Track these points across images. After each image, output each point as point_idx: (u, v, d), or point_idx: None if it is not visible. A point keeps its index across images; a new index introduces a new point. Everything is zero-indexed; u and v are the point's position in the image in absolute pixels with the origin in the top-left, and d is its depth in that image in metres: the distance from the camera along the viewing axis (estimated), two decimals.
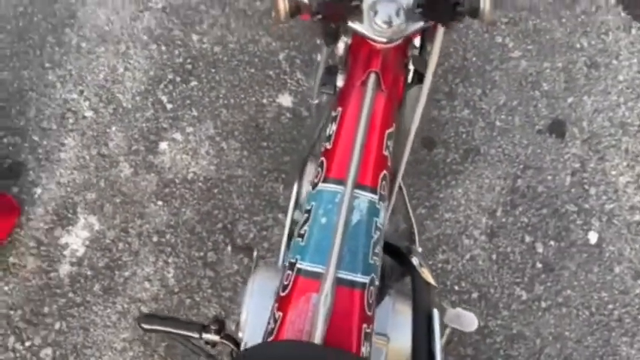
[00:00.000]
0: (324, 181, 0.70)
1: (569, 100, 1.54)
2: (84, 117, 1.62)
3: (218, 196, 1.53)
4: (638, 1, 1.61)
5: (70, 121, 1.62)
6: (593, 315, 1.36)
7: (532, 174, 1.48)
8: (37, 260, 1.49)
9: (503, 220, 1.45)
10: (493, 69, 1.58)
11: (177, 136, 1.58)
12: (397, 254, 0.95)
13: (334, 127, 0.75)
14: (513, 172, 1.48)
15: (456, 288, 1.40)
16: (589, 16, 1.60)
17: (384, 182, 0.72)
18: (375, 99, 0.73)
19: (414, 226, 1.08)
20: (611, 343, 1.34)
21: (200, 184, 1.54)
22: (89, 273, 1.48)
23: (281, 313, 0.65)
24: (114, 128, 1.60)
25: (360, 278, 0.66)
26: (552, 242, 1.42)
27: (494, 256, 1.42)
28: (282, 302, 0.66)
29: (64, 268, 1.49)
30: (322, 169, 0.72)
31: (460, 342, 1.35)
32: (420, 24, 0.74)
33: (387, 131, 0.75)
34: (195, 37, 1.67)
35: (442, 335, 0.96)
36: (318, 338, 0.60)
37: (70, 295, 1.47)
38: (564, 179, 1.47)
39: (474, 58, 1.60)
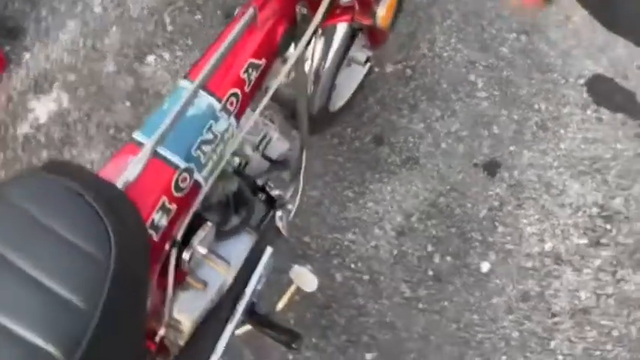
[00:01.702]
0: (183, 79, 0.84)
1: (511, 148, 1.69)
2: (92, 11, 1.77)
3: None
4: (602, 88, 1.78)
5: (79, 9, 1.76)
6: (459, 330, 1.49)
7: (455, 196, 1.62)
8: (1, 113, 1.62)
9: (416, 225, 1.59)
10: (457, 99, 1.74)
11: (167, 55, 1.73)
12: (270, 202, 1.09)
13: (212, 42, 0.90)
14: (439, 190, 1.63)
15: (352, 266, 1.53)
16: (555, 86, 1.77)
17: (233, 98, 0.85)
18: (246, 28, 0.86)
19: (300, 188, 1.21)
20: (465, 359, 1.47)
21: None
22: (42, 140, 1.60)
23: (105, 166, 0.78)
24: (114, 29, 1.75)
25: (176, 160, 0.78)
26: (449, 258, 1.56)
27: (395, 252, 1.56)
28: (111, 159, 0.78)
29: (23, 128, 1.61)
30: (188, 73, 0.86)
31: (336, 311, 1.48)
32: None
33: (251, 60, 0.87)
34: None
35: (285, 293, 1.08)
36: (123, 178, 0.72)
37: (19, 152, 1.59)
38: (480, 211, 1.61)
39: (445, 85, 1.76)
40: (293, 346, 1.03)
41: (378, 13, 1.05)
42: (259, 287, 1.05)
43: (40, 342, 0.55)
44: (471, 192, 1.64)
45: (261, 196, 1.10)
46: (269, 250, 0.98)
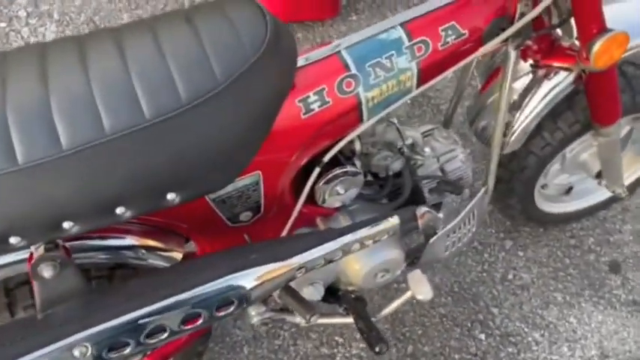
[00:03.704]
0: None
1: None
2: None
3: None
4: None
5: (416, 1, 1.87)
6: None
7: None
8: None
9: None
10: None
11: None
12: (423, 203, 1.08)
13: None
14: None
15: None
16: None
17: (422, 45, 0.91)
18: None
19: (458, 219, 1.11)
20: None
21: None
22: None
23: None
24: None
25: (349, 62, 0.88)
26: None
27: None
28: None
29: None
30: None
31: None
32: None
33: (453, 22, 0.92)
34: None
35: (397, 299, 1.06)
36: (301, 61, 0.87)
37: None
38: None
39: None
40: (377, 349, 1.01)
41: (594, 47, 0.93)
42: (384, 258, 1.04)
43: (176, 75, 0.71)
44: None
45: (423, 209, 1.04)
46: (395, 217, 0.95)
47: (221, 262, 0.83)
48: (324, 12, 1.79)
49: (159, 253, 0.95)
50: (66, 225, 0.70)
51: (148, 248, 0.94)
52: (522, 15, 0.93)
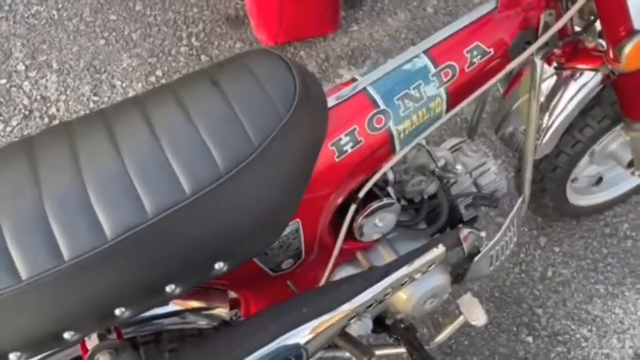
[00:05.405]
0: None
1: None
2: (424, 9, 1.83)
3: None
4: None
5: (414, 4, 1.84)
6: None
7: None
8: (315, 67, 1.75)
9: None
10: None
11: None
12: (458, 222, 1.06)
13: None
14: None
15: None
16: None
17: (449, 70, 0.88)
18: (484, 15, 0.89)
19: (502, 231, 1.08)
20: None
21: None
22: None
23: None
24: None
25: (377, 98, 0.85)
26: None
27: None
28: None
29: None
30: None
31: None
32: None
33: (478, 42, 0.89)
34: None
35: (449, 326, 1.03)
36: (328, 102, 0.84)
37: None
38: None
39: None
40: None
41: (624, 49, 0.91)
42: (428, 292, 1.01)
43: (210, 144, 0.68)
44: None
45: (462, 227, 1.04)
46: (440, 247, 0.93)
47: (272, 321, 0.81)
48: (324, 27, 1.76)
49: (204, 313, 0.93)
50: (117, 312, 0.68)
51: (192, 310, 0.92)
52: (546, 24, 0.90)
